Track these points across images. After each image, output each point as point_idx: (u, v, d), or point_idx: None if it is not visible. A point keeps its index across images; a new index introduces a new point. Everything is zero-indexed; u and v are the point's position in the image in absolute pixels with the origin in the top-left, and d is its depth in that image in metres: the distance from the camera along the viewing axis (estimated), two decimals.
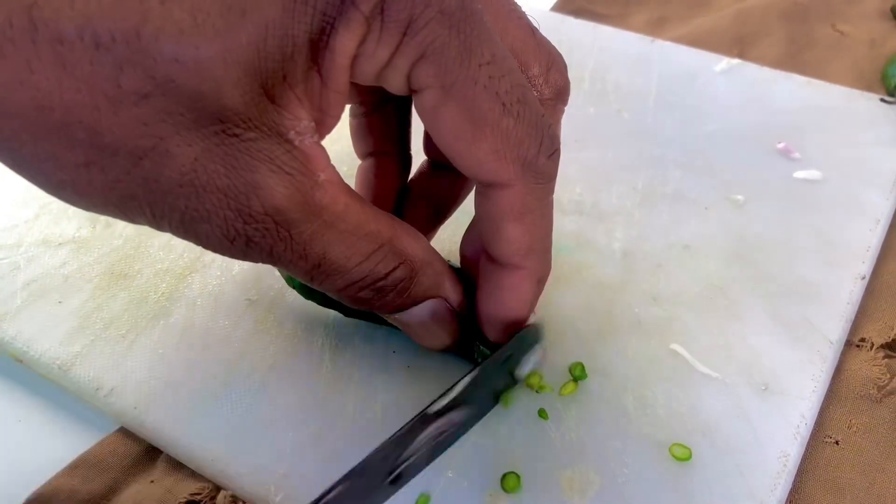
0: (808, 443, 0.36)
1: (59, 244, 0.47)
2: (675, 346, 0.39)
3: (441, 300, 0.33)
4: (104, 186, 0.26)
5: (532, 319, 0.36)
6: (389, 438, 0.31)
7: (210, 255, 0.45)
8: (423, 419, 0.32)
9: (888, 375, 0.39)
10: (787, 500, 0.35)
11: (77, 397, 0.41)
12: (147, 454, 0.39)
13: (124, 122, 0.25)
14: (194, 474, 0.38)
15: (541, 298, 0.41)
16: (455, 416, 0.34)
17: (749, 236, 0.44)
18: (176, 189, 0.26)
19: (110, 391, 0.40)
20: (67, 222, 0.48)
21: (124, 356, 0.41)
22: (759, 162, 0.47)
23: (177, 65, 0.24)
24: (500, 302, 0.34)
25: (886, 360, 0.39)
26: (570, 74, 0.54)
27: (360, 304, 0.32)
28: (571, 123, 0.51)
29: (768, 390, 0.37)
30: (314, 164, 0.28)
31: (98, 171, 0.26)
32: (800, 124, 0.49)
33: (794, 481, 0.35)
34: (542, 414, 0.37)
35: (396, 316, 0.34)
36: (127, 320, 0.43)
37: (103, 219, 0.48)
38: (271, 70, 0.26)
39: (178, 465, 0.38)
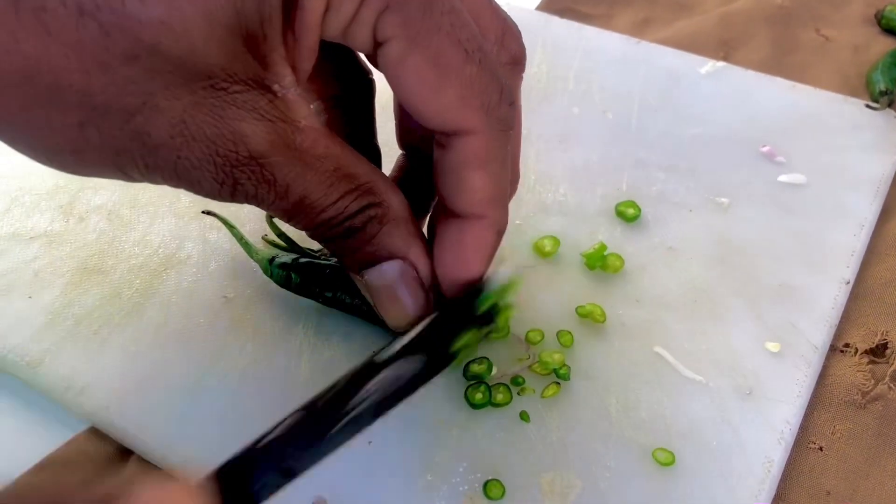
0: (792, 449, 0.36)
1: (31, 238, 0.46)
2: (659, 349, 0.39)
3: (409, 265, 0.33)
4: (100, 144, 0.27)
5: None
6: (335, 383, 0.31)
7: (186, 252, 0.44)
8: (371, 367, 0.31)
9: (872, 381, 0.39)
10: None
11: (46, 396, 0.40)
12: (118, 455, 0.38)
13: (114, 83, 0.26)
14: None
15: (522, 299, 0.41)
16: (407, 366, 0.32)
17: (733, 239, 0.43)
18: (168, 141, 0.27)
19: (81, 390, 0.39)
20: (40, 216, 0.47)
21: (96, 354, 0.40)
22: (743, 165, 0.47)
23: (163, 27, 0.25)
24: (462, 255, 0.34)
25: (871, 365, 0.39)
26: (555, 75, 0.54)
27: (331, 245, 0.32)
28: (556, 124, 0.50)
29: (752, 395, 0.37)
30: (295, 112, 0.29)
31: (93, 129, 0.27)
32: (784, 128, 0.49)
33: (778, 488, 0.35)
34: (523, 416, 0.36)
35: (366, 277, 0.33)
36: (99, 317, 0.42)
37: (76, 212, 0.47)
38: (252, 30, 0.27)
39: (149, 467, 0.37)
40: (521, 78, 0.35)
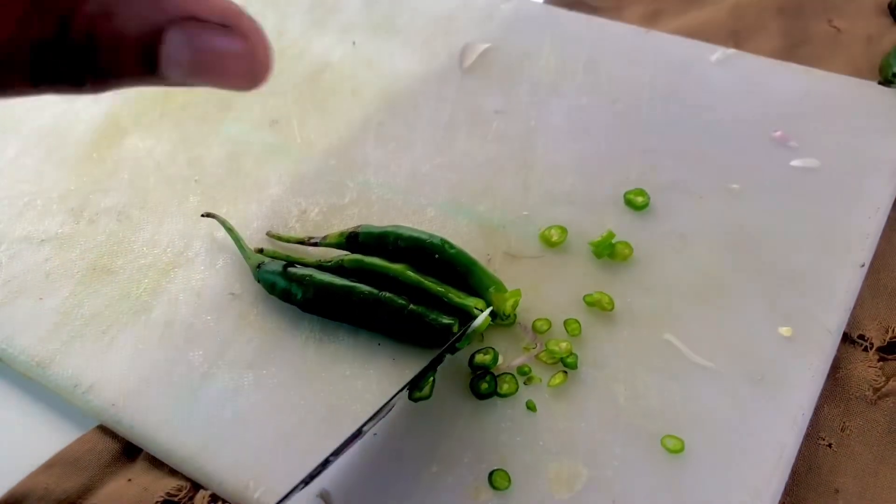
0: (802, 444, 0.35)
1: (42, 241, 0.46)
2: (669, 336, 0.38)
3: (187, 21, 0.25)
4: None
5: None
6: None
7: (193, 250, 0.44)
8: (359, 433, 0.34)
9: (883, 378, 0.37)
10: (780, 501, 0.33)
11: (55, 394, 0.40)
12: (125, 452, 0.38)
13: None
14: (173, 472, 0.37)
15: (530, 288, 0.40)
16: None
17: (745, 225, 0.42)
18: None
19: (89, 388, 0.39)
20: (51, 219, 0.47)
21: (104, 353, 0.40)
22: (755, 151, 0.46)
23: None
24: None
25: (881, 362, 0.38)
26: (563, 67, 0.53)
27: (98, 61, 0.25)
28: (564, 115, 0.50)
29: (764, 380, 0.36)
30: None
31: None
32: (796, 113, 0.48)
33: (787, 484, 0.34)
34: (529, 406, 0.36)
35: (166, 73, 0.26)
36: (108, 317, 0.42)
37: (87, 214, 0.47)
38: None
39: (156, 463, 0.37)
40: None
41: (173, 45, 0.25)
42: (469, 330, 0.37)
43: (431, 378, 0.36)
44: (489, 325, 0.38)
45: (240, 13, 0.26)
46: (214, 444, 0.36)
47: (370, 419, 0.34)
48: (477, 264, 0.40)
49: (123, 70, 0.25)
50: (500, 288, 0.39)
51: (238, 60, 0.26)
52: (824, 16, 0.60)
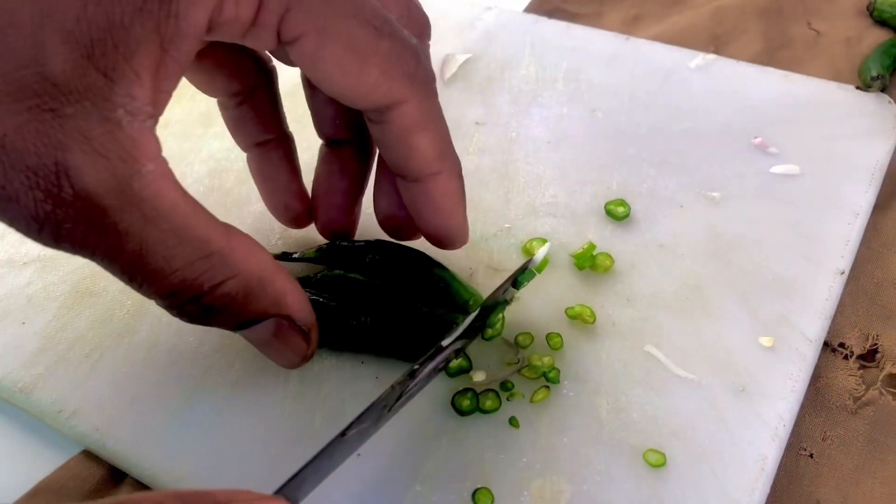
0: (783, 455, 0.35)
1: (24, 263, 0.46)
2: (650, 348, 0.38)
3: (282, 320, 0.32)
4: None
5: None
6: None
7: None
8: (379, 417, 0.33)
9: (863, 386, 0.38)
10: None
11: (39, 420, 0.40)
12: (111, 478, 0.38)
13: None
14: None
15: (512, 301, 0.40)
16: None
17: (725, 234, 0.42)
18: None
19: (73, 413, 0.39)
20: (33, 241, 0.47)
21: (88, 377, 0.40)
22: (735, 158, 0.46)
23: None
24: (439, 209, 0.34)
25: (861, 370, 0.38)
26: (544, 76, 0.53)
27: (192, 318, 0.30)
28: (545, 125, 0.50)
29: (745, 391, 0.36)
30: (140, 151, 0.26)
31: None
32: (776, 119, 0.48)
33: (769, 495, 0.34)
34: (512, 422, 0.36)
35: (240, 333, 0.32)
36: (91, 340, 0.42)
37: None
38: (97, 38, 0.24)
39: (142, 488, 0.37)
40: (429, 45, 0.36)
41: (261, 327, 0.31)
42: (531, 266, 0.38)
43: (502, 314, 0.38)
44: (473, 342, 0.38)
45: (314, 326, 0.33)
46: (200, 468, 0.36)
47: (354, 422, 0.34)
48: (457, 279, 0.40)
49: (221, 325, 0.31)
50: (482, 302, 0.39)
51: (293, 356, 0.33)
52: (804, 18, 0.61)
